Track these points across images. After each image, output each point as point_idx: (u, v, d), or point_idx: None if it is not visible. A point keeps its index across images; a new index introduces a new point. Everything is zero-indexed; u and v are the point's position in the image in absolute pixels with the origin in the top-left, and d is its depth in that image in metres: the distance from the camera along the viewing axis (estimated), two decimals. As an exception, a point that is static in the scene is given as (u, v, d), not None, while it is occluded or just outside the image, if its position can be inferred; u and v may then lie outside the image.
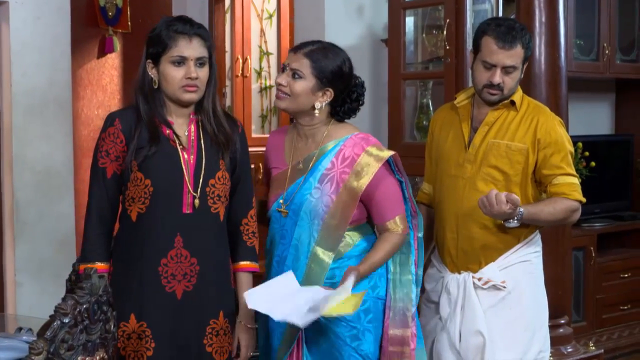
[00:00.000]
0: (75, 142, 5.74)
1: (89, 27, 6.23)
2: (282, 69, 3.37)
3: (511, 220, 3.44)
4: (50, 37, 5.36)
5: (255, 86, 7.44)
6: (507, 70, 3.50)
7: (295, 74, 3.29)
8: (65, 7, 5.45)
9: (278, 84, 3.32)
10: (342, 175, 3.29)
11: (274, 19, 7.49)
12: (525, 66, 3.60)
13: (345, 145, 3.34)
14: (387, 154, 3.34)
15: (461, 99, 3.72)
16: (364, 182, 3.29)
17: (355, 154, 3.31)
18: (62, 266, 5.39)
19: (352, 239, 3.34)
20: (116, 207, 3.14)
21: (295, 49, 3.35)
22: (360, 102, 3.44)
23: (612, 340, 6.11)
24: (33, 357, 2.32)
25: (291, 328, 3.23)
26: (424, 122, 5.35)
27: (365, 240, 3.38)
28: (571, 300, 5.32)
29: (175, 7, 6.80)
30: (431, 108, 5.39)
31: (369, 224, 3.45)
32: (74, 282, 3.64)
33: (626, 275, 6.33)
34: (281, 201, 3.35)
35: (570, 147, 3.63)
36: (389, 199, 3.35)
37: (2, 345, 2.87)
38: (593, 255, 6.06)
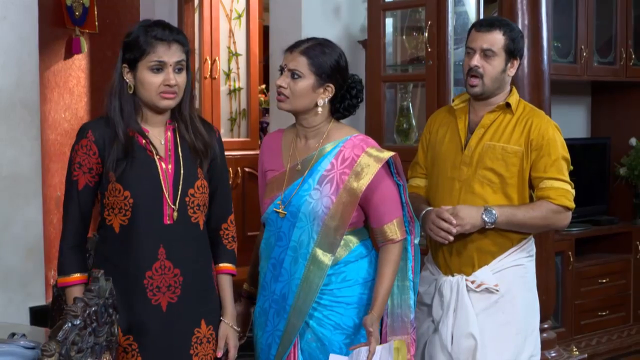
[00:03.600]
0: (43, 146, 5.61)
1: (56, 27, 6.14)
2: (279, 70, 3.33)
3: (486, 219, 3.49)
4: (17, 37, 5.27)
5: (224, 88, 7.37)
6: (485, 54, 3.54)
7: (294, 74, 3.25)
8: (33, 6, 5.36)
9: (278, 86, 3.28)
10: (342, 176, 3.27)
11: (243, 19, 7.42)
12: (513, 62, 3.60)
13: (345, 146, 3.31)
14: (387, 154, 3.31)
15: (458, 102, 3.74)
16: (364, 182, 3.25)
17: (355, 154, 3.28)
18: (29, 275, 5.32)
19: (349, 244, 3.33)
20: (89, 218, 3.11)
21: (290, 49, 3.32)
22: (360, 99, 3.41)
23: (590, 347, 6.06)
24: (46, 359, 2.35)
25: (287, 335, 3.26)
26: (404, 125, 5.31)
27: (362, 245, 3.37)
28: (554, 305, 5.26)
29: (143, 6, 6.70)
30: (411, 111, 5.33)
31: (366, 228, 3.44)
32: (61, 289, 3.55)
33: (604, 281, 6.29)
34: (279, 202, 3.32)
35: (564, 153, 3.61)
36: (387, 202, 3.32)
37: (1, 350, 2.85)
38: (571, 260, 6.01)
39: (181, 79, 3.03)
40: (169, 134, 3.11)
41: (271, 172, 3.38)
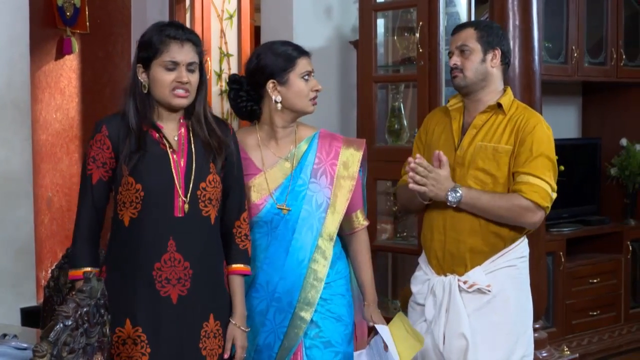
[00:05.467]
0: (34, 147, 5.61)
1: (47, 28, 6.13)
2: (304, 76, 3.41)
3: (450, 198, 3.52)
4: (8, 37, 5.25)
5: (215, 88, 7.36)
6: (462, 50, 3.63)
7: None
8: (24, 6, 5.34)
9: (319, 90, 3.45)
10: (332, 167, 3.45)
11: (234, 19, 7.41)
12: (494, 52, 3.64)
13: (321, 140, 3.48)
14: (362, 141, 3.57)
15: (453, 102, 3.78)
16: (353, 170, 3.47)
17: (337, 146, 3.48)
18: (20, 275, 5.30)
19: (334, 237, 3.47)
20: (103, 212, 3.16)
21: (308, 54, 3.46)
22: None
23: (581, 347, 6.07)
24: (37, 360, 2.35)
25: (293, 329, 3.36)
26: (396, 126, 5.32)
27: (338, 239, 3.51)
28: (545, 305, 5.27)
29: (135, 7, 6.69)
30: (403, 111, 5.34)
31: None
32: (53, 289, 3.69)
33: (595, 281, 6.31)
34: (274, 201, 3.39)
35: (549, 153, 3.60)
36: (358, 190, 3.51)
37: None
38: (562, 260, 6.02)
39: (193, 78, 3.09)
40: (182, 130, 3.15)
41: (248, 177, 3.41)
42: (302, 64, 3.36)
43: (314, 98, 3.38)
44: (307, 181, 3.39)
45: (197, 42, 3.10)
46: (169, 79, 3.05)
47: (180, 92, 3.06)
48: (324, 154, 3.44)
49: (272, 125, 3.43)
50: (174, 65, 3.05)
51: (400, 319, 3.50)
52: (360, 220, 3.53)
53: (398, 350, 3.35)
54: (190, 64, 3.06)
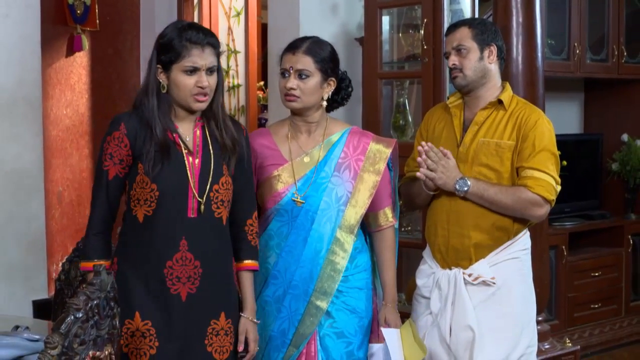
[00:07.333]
0: (45, 142, 5.67)
1: (57, 25, 6.18)
2: (282, 73, 3.45)
3: (457, 187, 3.57)
4: (19, 35, 5.30)
5: (222, 85, 7.36)
6: (459, 50, 3.66)
7: (302, 74, 3.41)
8: (35, 4, 5.39)
9: (289, 89, 3.41)
10: (357, 162, 3.50)
11: (242, 16, 7.45)
12: (491, 49, 3.68)
13: (350, 136, 3.53)
14: (393, 140, 3.63)
15: (453, 99, 3.81)
16: (380, 167, 3.51)
17: (365, 142, 3.53)
18: (32, 269, 5.36)
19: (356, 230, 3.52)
20: (117, 207, 3.19)
21: (292, 50, 3.44)
22: (351, 89, 3.62)
23: (583, 339, 6.13)
24: (49, 352, 2.37)
25: (308, 317, 3.43)
26: (401, 122, 5.37)
27: (361, 233, 3.57)
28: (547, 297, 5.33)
29: (144, 4, 6.74)
30: (408, 107, 5.40)
31: None
32: (64, 282, 3.71)
33: (597, 274, 6.37)
34: (295, 192, 3.46)
35: (551, 147, 3.64)
36: (385, 187, 3.56)
37: (3, 342, 2.90)
38: (564, 254, 6.09)
39: (213, 80, 3.11)
40: (198, 130, 3.18)
41: (274, 166, 3.48)
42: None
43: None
44: (330, 174, 3.45)
45: (216, 45, 3.11)
46: (190, 84, 3.06)
47: (200, 96, 3.08)
48: (351, 149, 3.49)
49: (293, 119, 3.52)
50: (194, 70, 3.06)
51: (410, 324, 3.58)
52: (389, 217, 3.57)
53: (405, 353, 3.45)
54: (210, 68, 3.08)
